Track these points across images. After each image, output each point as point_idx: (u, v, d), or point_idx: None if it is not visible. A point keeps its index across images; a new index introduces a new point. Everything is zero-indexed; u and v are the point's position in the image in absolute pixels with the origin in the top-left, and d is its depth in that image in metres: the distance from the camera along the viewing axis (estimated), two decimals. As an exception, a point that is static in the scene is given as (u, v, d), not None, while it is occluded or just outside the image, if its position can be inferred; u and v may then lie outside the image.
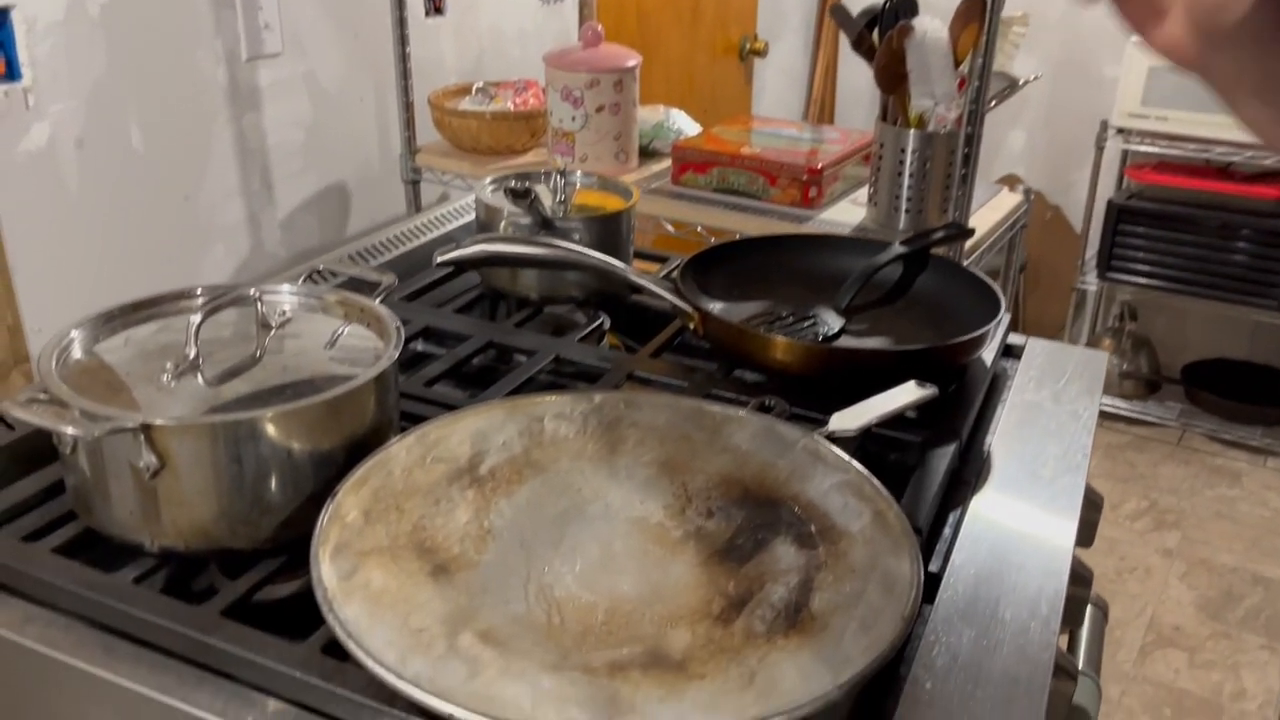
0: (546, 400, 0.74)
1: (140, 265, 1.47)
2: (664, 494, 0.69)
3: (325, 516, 0.61)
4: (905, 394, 0.78)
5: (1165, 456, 2.69)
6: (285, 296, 0.76)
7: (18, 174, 1.31)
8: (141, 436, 0.60)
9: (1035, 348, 1.05)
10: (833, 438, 0.74)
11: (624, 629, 0.57)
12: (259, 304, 0.72)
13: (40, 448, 0.74)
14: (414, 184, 1.71)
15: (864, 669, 0.52)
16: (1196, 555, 2.29)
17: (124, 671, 0.60)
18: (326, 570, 0.57)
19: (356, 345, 0.73)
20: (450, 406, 0.82)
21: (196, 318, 0.67)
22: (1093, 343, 2.90)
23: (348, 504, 0.62)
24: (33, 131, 1.31)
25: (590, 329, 1.00)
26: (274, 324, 0.73)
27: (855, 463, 0.69)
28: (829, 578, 0.61)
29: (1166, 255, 2.61)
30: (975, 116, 1.33)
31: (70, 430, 0.60)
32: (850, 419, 0.76)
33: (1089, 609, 0.97)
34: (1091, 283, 2.73)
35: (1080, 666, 0.92)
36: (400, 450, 0.68)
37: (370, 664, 0.51)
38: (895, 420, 0.82)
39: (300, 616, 0.67)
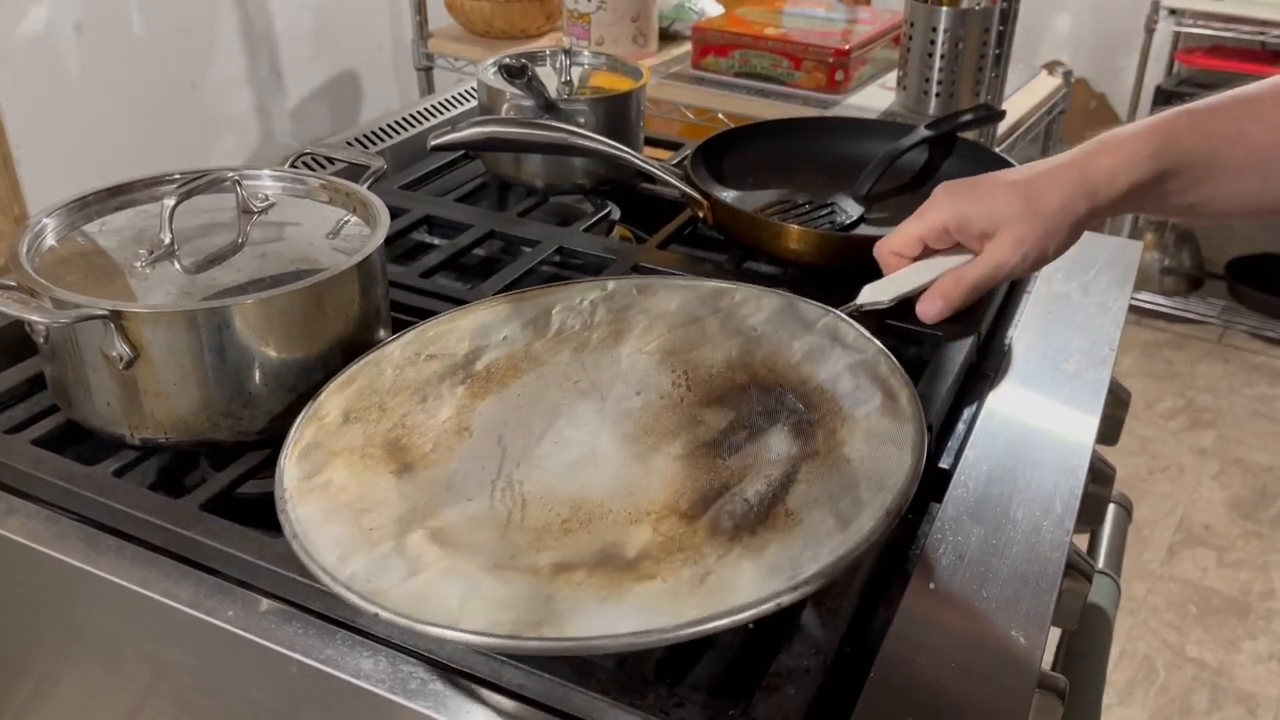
0: (556, 291, 0.70)
1: (148, 155, 1.44)
2: (663, 382, 0.65)
3: (304, 416, 0.59)
4: (945, 263, 0.73)
5: (1204, 354, 2.62)
6: (267, 182, 0.73)
7: (16, 60, 1.28)
8: (112, 325, 0.58)
9: (1066, 237, 0.99)
10: (861, 312, 0.69)
11: (585, 526, 0.54)
12: (238, 188, 0.68)
13: (25, 338, 0.72)
14: (427, 71, 1.65)
15: (824, 568, 0.48)
16: (1231, 454, 2.25)
17: (105, 565, 0.58)
18: (289, 470, 0.55)
19: (344, 232, 0.70)
20: (447, 298, 0.79)
21: (170, 201, 0.64)
22: (1134, 237, 2.81)
23: (330, 404, 0.60)
24: (30, 14, 1.27)
25: (596, 219, 0.96)
26: (255, 210, 0.70)
27: (875, 341, 0.64)
28: (818, 469, 0.57)
29: (1215, 145, 2.49)
30: (1012, -9, 1.25)
31: (37, 318, 0.58)
32: (883, 290, 0.71)
33: (1111, 507, 0.94)
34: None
35: (1100, 566, 0.89)
36: (395, 349, 0.65)
37: (307, 562, 0.50)
38: (912, 313, 0.78)
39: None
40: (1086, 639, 0.79)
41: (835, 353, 0.65)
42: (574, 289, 0.71)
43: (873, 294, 0.71)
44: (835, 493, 0.54)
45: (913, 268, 0.74)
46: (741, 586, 0.48)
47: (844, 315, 0.67)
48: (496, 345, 0.68)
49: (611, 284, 0.71)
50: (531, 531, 0.53)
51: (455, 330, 0.68)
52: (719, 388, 0.65)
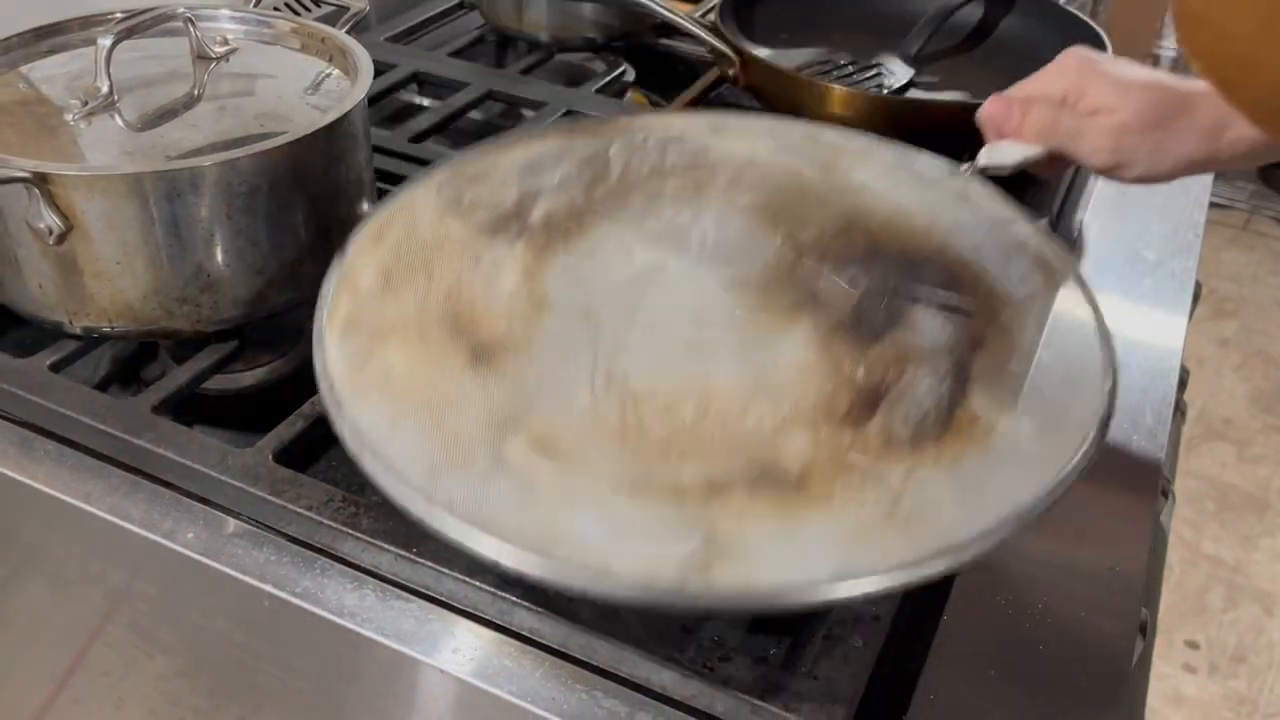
0: (613, 125, 0.59)
1: None
2: (767, 248, 0.52)
3: (333, 280, 0.47)
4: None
5: (1229, 241, 2.52)
6: (226, 24, 0.61)
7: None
8: (37, 191, 0.48)
9: (1136, 108, 0.88)
10: (985, 174, 0.58)
11: (721, 432, 0.42)
12: (192, 29, 0.57)
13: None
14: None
15: (1053, 489, 0.39)
16: (1254, 346, 2.17)
17: (42, 475, 0.50)
18: (334, 356, 0.43)
19: (325, 87, 0.59)
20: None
21: (107, 40, 0.53)
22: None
23: (361, 263, 0.48)
24: None
25: (608, 79, 0.85)
26: (214, 56, 0.59)
27: (1019, 209, 0.53)
28: (990, 362, 0.46)
29: (1257, 17, 2.34)
30: None
31: (-58, 181, 0.48)
32: (1004, 154, 0.59)
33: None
34: (1169, 48, 2.48)
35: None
36: (429, 192, 0.52)
37: (388, 483, 0.38)
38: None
39: (261, 413, 0.57)
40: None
41: (970, 218, 0.53)
42: (634, 124, 0.58)
43: (993, 156, 0.59)
44: (1022, 390, 0.44)
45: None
46: (948, 517, 0.38)
47: (971, 175, 0.56)
48: (551, 191, 0.54)
49: (680, 121, 0.59)
50: (656, 440, 0.42)
51: (497, 169, 0.55)
52: (836, 255, 0.52)
